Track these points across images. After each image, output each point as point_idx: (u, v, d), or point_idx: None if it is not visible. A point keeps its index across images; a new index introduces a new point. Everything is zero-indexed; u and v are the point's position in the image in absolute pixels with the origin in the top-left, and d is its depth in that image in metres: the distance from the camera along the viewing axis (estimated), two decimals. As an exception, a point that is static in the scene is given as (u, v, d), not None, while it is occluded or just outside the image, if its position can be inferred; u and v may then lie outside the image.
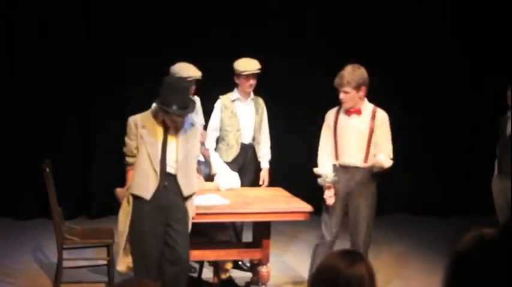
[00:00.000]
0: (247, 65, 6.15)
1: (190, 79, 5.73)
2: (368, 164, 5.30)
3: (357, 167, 5.33)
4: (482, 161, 8.30)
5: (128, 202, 4.93)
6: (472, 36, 8.53)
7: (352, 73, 5.21)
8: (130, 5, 8.05)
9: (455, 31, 8.57)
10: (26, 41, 7.98)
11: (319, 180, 5.41)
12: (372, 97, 5.45)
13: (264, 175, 6.40)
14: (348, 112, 5.35)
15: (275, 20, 8.29)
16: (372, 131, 5.31)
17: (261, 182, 6.36)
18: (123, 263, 5.01)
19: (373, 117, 5.32)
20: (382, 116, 5.36)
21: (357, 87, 5.22)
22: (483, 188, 6.69)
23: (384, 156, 5.27)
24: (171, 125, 4.88)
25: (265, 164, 6.42)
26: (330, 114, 5.47)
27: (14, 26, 7.95)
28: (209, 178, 5.86)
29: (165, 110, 4.77)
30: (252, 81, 6.17)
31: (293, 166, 8.12)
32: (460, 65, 8.59)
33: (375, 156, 5.28)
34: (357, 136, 5.32)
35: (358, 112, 5.33)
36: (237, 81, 6.22)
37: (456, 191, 8.61)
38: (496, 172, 6.17)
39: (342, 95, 5.27)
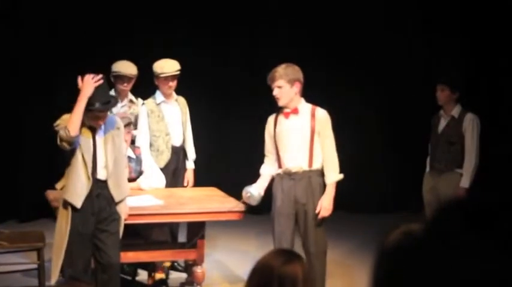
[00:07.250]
0: (165, 67, 5.93)
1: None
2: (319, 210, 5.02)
3: (301, 172, 5.05)
4: (414, 159, 8.46)
5: (65, 208, 4.80)
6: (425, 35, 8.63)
7: (285, 69, 5.05)
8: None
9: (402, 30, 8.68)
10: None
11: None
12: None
13: (189, 176, 6.23)
14: (286, 114, 5.07)
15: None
16: (313, 131, 5.03)
17: (185, 183, 6.19)
18: (56, 275, 4.86)
19: (313, 115, 5.05)
20: (323, 114, 5.09)
21: (291, 82, 5.01)
22: (414, 185, 6.78)
23: (330, 178, 5.06)
24: (96, 124, 4.75)
25: (190, 165, 6.24)
26: (270, 121, 5.20)
27: None
28: (140, 174, 5.77)
29: (88, 109, 4.62)
30: (171, 83, 5.95)
31: (231, 166, 8.12)
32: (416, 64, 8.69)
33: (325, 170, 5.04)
34: (299, 138, 5.04)
35: (296, 112, 5.05)
36: (156, 83, 6.00)
37: (387, 188, 8.74)
38: (427, 169, 6.31)
39: (275, 91, 5.03)
